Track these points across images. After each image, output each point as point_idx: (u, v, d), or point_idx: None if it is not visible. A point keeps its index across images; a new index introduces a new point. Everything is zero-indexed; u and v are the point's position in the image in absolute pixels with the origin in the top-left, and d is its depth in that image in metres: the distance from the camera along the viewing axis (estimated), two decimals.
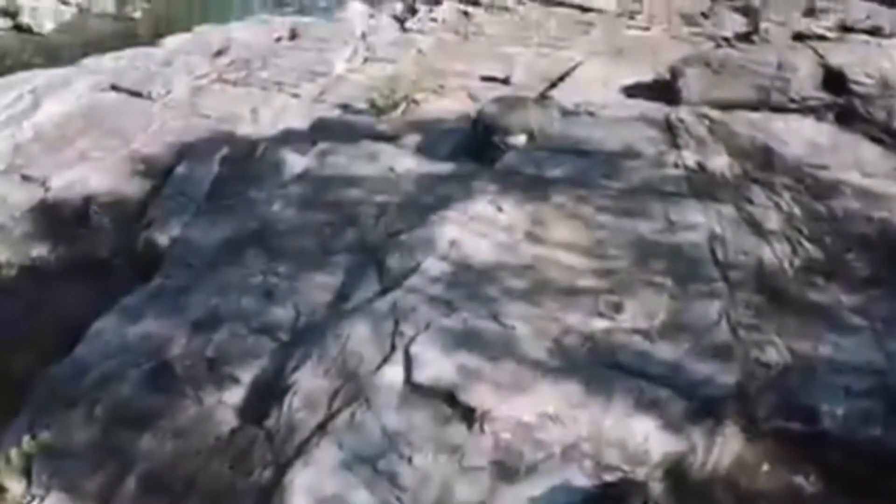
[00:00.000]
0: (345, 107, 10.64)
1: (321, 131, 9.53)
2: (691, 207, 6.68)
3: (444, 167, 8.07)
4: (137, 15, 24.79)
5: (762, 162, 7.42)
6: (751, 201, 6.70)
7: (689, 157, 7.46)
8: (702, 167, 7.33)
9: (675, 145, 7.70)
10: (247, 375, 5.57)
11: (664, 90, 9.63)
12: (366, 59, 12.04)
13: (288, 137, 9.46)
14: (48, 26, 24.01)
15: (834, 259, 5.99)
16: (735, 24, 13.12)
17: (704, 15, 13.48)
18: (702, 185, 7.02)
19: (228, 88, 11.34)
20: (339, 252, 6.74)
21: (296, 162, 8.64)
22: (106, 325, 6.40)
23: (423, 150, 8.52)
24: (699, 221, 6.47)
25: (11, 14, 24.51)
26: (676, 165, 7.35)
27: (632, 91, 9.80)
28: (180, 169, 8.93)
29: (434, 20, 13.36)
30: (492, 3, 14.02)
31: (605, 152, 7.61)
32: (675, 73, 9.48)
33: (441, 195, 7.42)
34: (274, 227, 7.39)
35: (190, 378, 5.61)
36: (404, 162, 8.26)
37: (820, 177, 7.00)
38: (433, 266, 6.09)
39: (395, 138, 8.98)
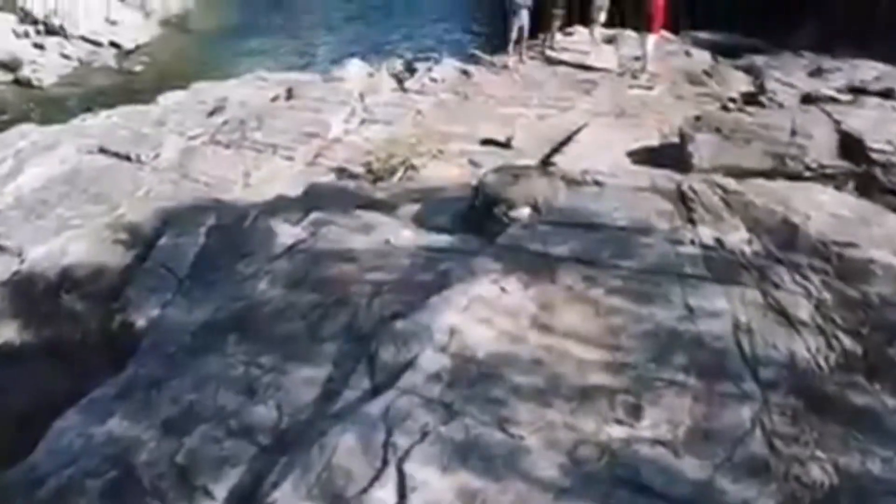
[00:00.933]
0: (340, 171, 10.16)
1: (314, 198, 8.98)
2: (712, 291, 6.07)
3: (444, 240, 7.51)
4: (138, 69, 24.63)
5: (784, 238, 6.84)
6: (776, 285, 6.08)
7: (706, 233, 6.88)
8: (720, 244, 6.75)
9: (690, 219, 7.13)
10: (221, 488, 4.89)
11: (673, 155, 9.15)
12: (363, 121, 11.60)
13: (279, 205, 8.92)
14: (49, 80, 23.82)
15: (874, 354, 5.36)
16: (740, 83, 12.76)
17: (708, 74, 13.12)
18: (721, 266, 6.42)
19: (221, 151, 10.86)
20: (328, 339, 6.11)
21: (287, 233, 8.08)
22: (69, 423, 5.74)
23: (421, 221, 7.95)
24: (722, 308, 5.85)
25: (12, 68, 24.34)
26: (693, 242, 6.76)
27: (639, 157, 9.30)
28: (164, 240, 8.36)
29: (434, 80, 12.98)
30: (492, 63, 13.69)
31: (615, 227, 7.04)
32: (684, 137, 9.00)
33: (440, 272, 6.82)
34: (260, 308, 6.77)
35: (157, 490, 4.93)
36: (401, 234, 7.69)
37: (849, 256, 6.41)
38: (431, 360, 5.45)
39: (391, 207, 8.44)
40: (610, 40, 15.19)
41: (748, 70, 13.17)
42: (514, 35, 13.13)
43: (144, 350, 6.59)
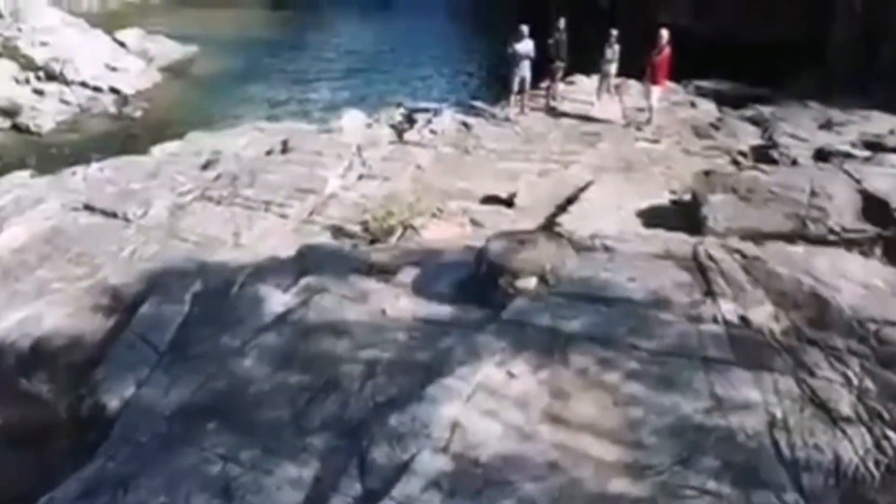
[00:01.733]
0: (336, 229, 9.58)
1: (307, 261, 8.37)
2: (740, 378, 5.45)
3: (444, 312, 6.89)
4: (138, 115, 24.28)
5: (815, 315, 6.24)
6: (811, 372, 5.46)
7: (729, 308, 6.28)
8: (745, 321, 6.14)
9: (710, 292, 6.54)
10: None
11: (686, 215, 8.59)
12: (361, 176, 11.06)
13: (270, 268, 8.31)
14: (48, 126, 23.36)
15: None
16: (749, 135, 12.28)
17: (715, 126, 12.65)
18: (749, 348, 5.81)
19: (211, 207, 10.28)
20: (315, 431, 5.47)
21: (276, 300, 7.48)
22: None
23: (420, 289, 7.33)
24: (753, 399, 5.23)
25: (11, 114, 23.92)
26: (715, 319, 6.16)
27: (649, 217, 8.73)
28: (146, 307, 7.73)
29: (433, 132, 12.51)
30: (493, 114, 13.24)
31: (630, 301, 6.44)
32: (697, 198, 8.45)
33: (440, 351, 6.21)
34: (243, 389, 6.13)
35: None
36: (399, 304, 7.08)
37: (889, 337, 5.79)
38: (429, 463, 4.81)
39: (388, 272, 7.83)
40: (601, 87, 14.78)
41: (756, 121, 12.72)
42: (515, 87, 12.71)
43: (115, 438, 5.92)
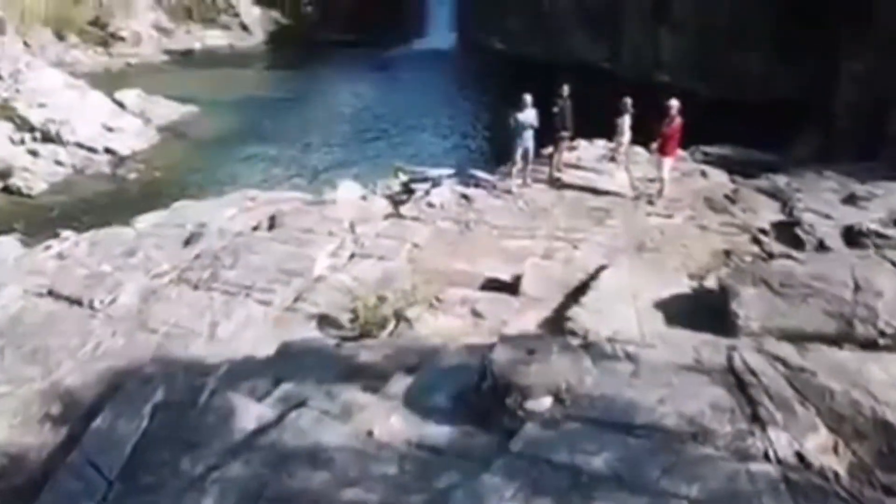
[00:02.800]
0: (323, 318, 8.50)
1: (287, 362, 7.30)
2: None
3: (443, 435, 5.78)
4: (132, 176, 23.45)
5: (883, 447, 5.14)
6: None
7: (781, 440, 5.18)
8: (802, 459, 5.03)
9: (755, 415, 5.44)
10: None
11: (712, 307, 7.51)
12: (353, 255, 10.03)
13: (245, 371, 7.22)
14: (40, 188, 22.47)
15: None
16: (767, 210, 11.31)
17: (730, 199, 11.70)
18: (811, 497, 4.67)
19: (188, 293, 9.23)
20: None
21: (249, 413, 6.38)
22: None
23: (414, 404, 6.23)
24: None
25: (3, 175, 23.08)
26: (767, 456, 5.04)
27: (671, 309, 7.64)
28: (100, 421, 6.62)
29: (431, 205, 11.53)
30: (494, 185, 12.30)
31: (662, 429, 5.33)
32: (726, 291, 7.39)
33: (438, 493, 5.08)
34: None
35: None
36: (389, 423, 5.98)
37: None
38: None
39: (378, 377, 6.74)
40: (614, 158, 13.93)
41: (773, 194, 11.78)
42: (517, 158, 11.80)
43: None
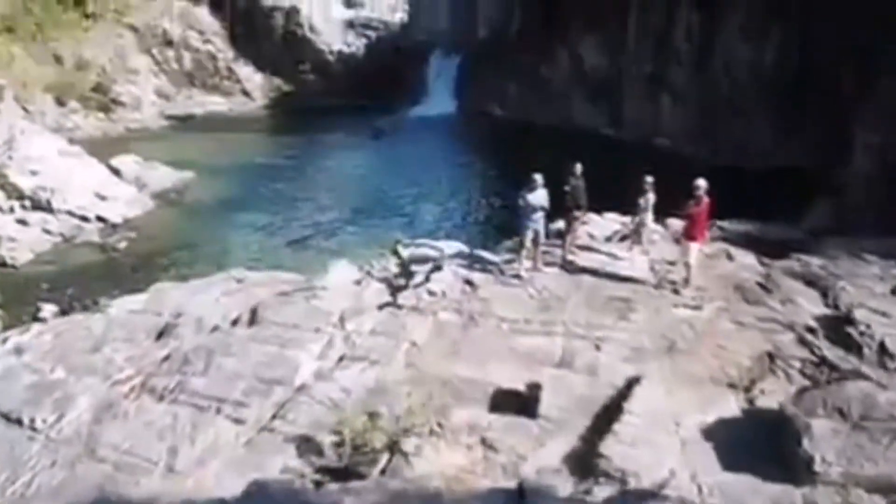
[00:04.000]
0: (303, 443, 6.95)
1: None
2: None
3: None
4: (122, 245, 22.08)
5: None
6: None
7: None
8: None
9: None
10: None
11: (771, 441, 6.00)
12: (342, 358, 8.52)
13: None
14: (24, 258, 21.03)
15: None
16: (807, 299, 9.86)
17: (763, 287, 10.27)
18: None
19: (150, 406, 7.70)
20: None
21: None
22: None
23: None
24: None
25: None
26: None
27: (724, 444, 6.12)
28: None
29: (432, 293, 10.08)
30: (501, 270, 10.89)
31: None
32: (793, 423, 5.89)
33: None
34: None
35: None
36: None
37: None
38: None
39: None
40: (627, 237, 12.59)
41: (810, 280, 10.38)
42: (527, 240, 10.42)
43: None
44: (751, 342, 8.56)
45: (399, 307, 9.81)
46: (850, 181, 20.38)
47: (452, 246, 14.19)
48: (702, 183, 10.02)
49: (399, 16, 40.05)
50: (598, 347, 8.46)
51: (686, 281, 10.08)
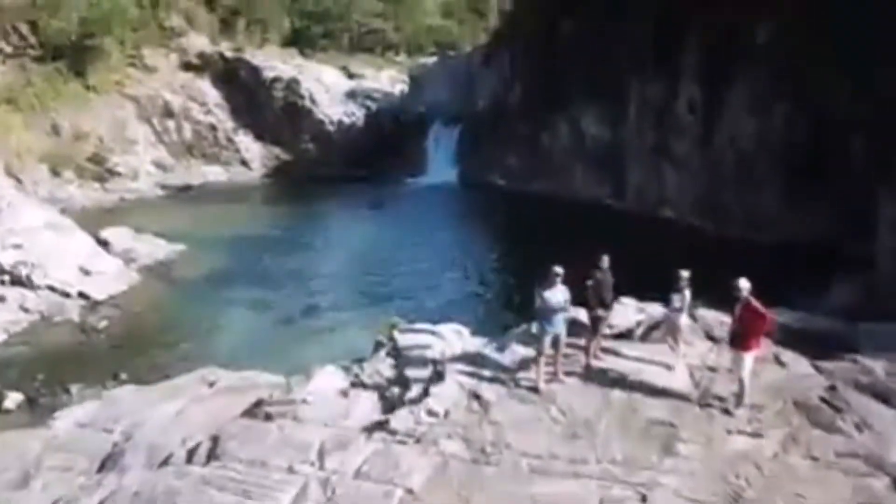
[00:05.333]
0: None
1: None
2: None
3: None
4: (102, 325, 20.03)
5: None
6: None
7: None
8: None
9: None
10: None
11: None
12: None
13: None
14: None
15: None
16: (887, 424, 7.83)
17: (830, 405, 8.25)
18: None
19: None
20: None
21: None
22: None
23: None
24: None
25: None
26: None
27: None
28: None
29: (433, 414, 8.02)
30: (515, 380, 8.87)
31: None
32: None
33: None
34: None
35: None
36: None
37: None
38: None
39: None
40: (655, 328, 10.62)
41: (881, 394, 8.37)
42: (546, 347, 8.42)
43: None
44: (834, 490, 6.50)
45: (392, 433, 7.74)
46: (877, 257, 18.56)
47: (453, 330, 12.31)
48: (744, 284, 8.10)
49: (399, 87, 39.08)
50: (643, 499, 6.38)
51: (739, 399, 8.05)
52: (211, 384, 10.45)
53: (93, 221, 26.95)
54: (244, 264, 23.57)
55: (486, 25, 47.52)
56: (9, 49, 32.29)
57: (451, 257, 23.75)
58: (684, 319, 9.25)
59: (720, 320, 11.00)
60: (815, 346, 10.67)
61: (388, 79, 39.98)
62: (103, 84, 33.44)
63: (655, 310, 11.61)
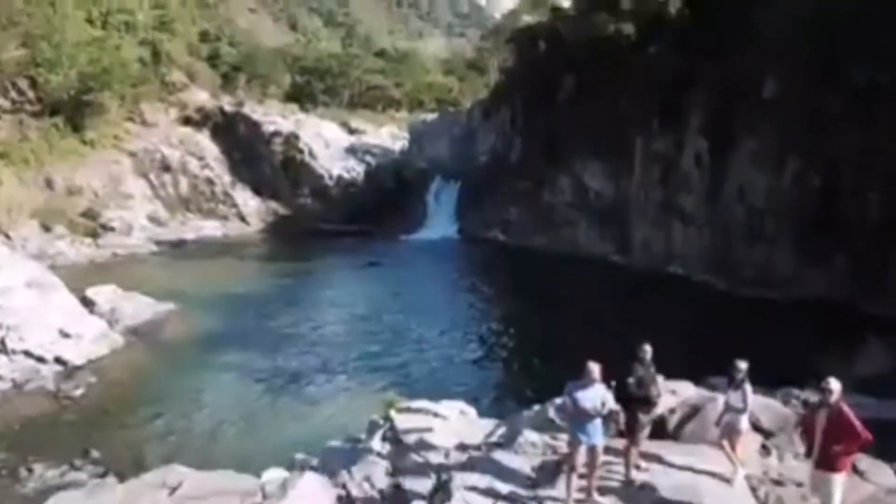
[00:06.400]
0: None
1: None
2: None
3: None
4: (77, 393, 17.97)
5: None
6: None
7: None
8: None
9: None
10: None
11: None
12: None
13: None
14: None
15: None
16: None
17: None
18: None
19: None
20: None
21: None
22: None
23: None
24: None
25: None
26: None
27: None
28: None
29: None
30: (536, 499, 6.89)
31: None
32: None
33: None
34: None
35: None
36: None
37: None
38: None
39: None
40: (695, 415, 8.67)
41: None
42: (578, 460, 6.44)
43: None
44: None
45: None
46: None
47: (456, 409, 10.51)
48: (835, 385, 6.21)
49: (400, 143, 37.88)
50: None
51: None
52: (173, 489, 8.45)
53: (81, 278, 25.09)
54: (234, 326, 21.60)
55: (486, 82, 46.77)
56: (7, 105, 31.08)
57: (452, 319, 21.80)
58: (745, 423, 7.32)
59: (763, 404, 9.10)
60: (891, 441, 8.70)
61: (388, 134, 38.87)
62: (101, 138, 32.15)
63: (687, 390, 9.73)
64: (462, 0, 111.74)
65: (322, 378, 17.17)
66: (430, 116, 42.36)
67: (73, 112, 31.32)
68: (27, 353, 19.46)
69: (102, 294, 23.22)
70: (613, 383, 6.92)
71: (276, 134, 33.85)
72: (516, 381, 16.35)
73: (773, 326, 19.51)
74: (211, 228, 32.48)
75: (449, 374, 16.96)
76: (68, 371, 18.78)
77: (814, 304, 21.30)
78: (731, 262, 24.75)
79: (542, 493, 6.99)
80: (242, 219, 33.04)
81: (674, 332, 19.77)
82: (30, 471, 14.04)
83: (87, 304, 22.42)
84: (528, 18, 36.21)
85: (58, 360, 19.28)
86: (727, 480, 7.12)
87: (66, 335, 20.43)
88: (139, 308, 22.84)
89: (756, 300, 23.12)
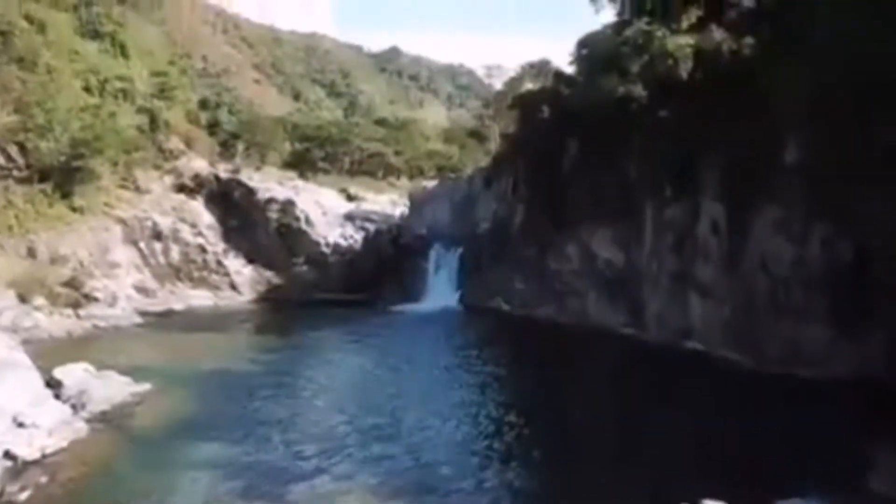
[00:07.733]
0: None
1: None
2: None
3: None
4: (25, 496, 14.85)
5: None
6: None
7: None
8: None
9: None
10: None
11: None
12: None
13: None
14: None
15: None
16: None
17: None
18: None
19: None
20: None
21: None
22: None
23: None
24: None
25: None
26: None
27: None
28: None
29: None
30: None
31: None
32: None
33: None
34: None
35: None
36: None
37: None
38: None
39: None
40: None
41: None
42: None
43: None
44: None
45: None
46: None
47: None
48: None
49: (399, 210, 35.74)
50: None
51: None
52: None
53: (54, 354, 22.21)
54: (215, 411, 18.66)
55: (486, 150, 45.18)
56: None
57: (456, 401, 18.90)
58: None
59: None
60: None
61: (388, 201, 36.83)
62: (91, 205, 29.92)
63: None
64: (462, 73, 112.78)
65: (308, 481, 14.10)
66: (431, 183, 40.44)
67: (62, 178, 29.23)
68: None
69: (72, 374, 20.31)
70: None
71: (271, 201, 31.73)
72: (531, 479, 13.44)
73: (816, 411, 16.75)
74: (201, 298, 29.83)
75: (454, 468, 14.06)
76: (17, 468, 15.72)
77: (849, 383, 18.60)
78: (757, 337, 22.03)
79: None
80: (234, 288, 30.46)
81: (705, 417, 17.01)
82: None
83: (53, 385, 19.51)
84: (530, 85, 34.75)
85: (7, 455, 16.22)
86: None
87: (20, 424, 17.42)
88: (112, 389, 19.90)
89: (785, 379, 20.31)
